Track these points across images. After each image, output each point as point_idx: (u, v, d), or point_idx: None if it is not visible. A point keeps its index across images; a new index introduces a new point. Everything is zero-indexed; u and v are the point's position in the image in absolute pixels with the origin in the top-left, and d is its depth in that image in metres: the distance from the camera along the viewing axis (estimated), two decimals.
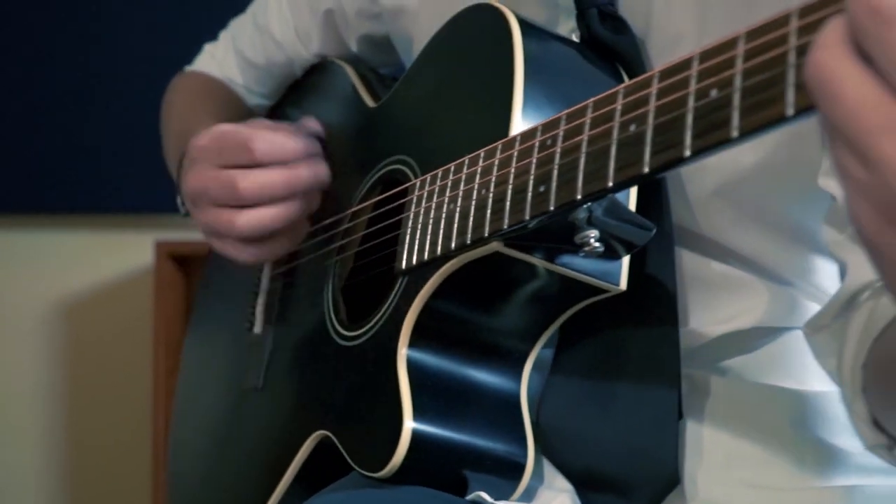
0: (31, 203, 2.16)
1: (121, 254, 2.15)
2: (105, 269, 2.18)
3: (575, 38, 0.99)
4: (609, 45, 0.96)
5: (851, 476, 0.96)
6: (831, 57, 0.53)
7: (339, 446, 0.96)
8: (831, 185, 0.85)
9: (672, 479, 0.91)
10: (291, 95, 1.33)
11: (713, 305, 0.98)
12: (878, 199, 0.52)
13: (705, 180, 0.94)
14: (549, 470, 0.98)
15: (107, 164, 2.13)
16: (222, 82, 1.36)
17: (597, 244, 0.83)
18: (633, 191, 0.89)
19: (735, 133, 0.64)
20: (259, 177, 1.04)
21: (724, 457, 0.96)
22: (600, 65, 0.96)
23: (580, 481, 0.96)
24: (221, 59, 1.37)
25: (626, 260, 0.89)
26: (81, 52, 2.14)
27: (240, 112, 1.33)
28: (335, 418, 0.99)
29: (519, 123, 0.88)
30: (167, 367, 1.88)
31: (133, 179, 2.05)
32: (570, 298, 0.92)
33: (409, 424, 0.89)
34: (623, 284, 0.89)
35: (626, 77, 0.95)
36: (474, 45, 0.97)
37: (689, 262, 0.98)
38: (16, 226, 2.18)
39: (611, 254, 0.86)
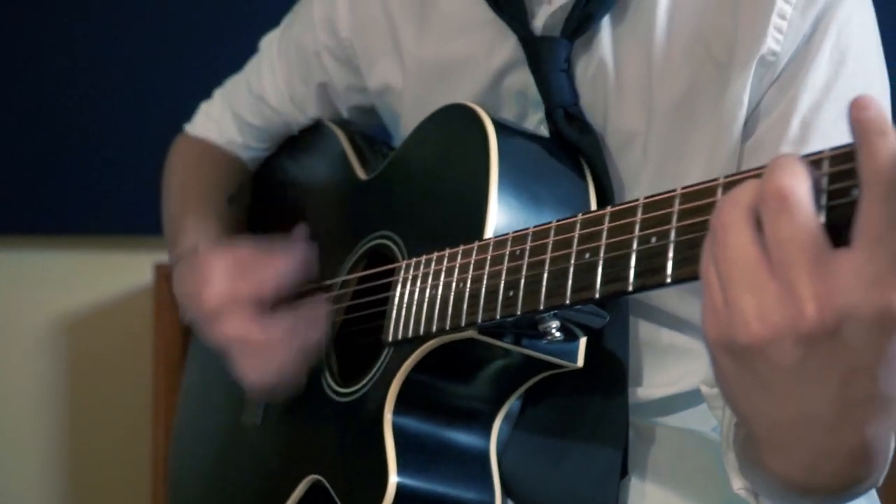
0: (35, 224, 2.18)
1: (121, 274, 2.19)
2: (105, 289, 2.21)
3: (544, 129, 1.12)
4: (574, 144, 1.09)
5: None
6: (733, 210, 0.66)
7: (332, 492, 1.10)
8: None
9: None
10: (287, 150, 1.43)
11: (661, 369, 1.12)
12: (722, 329, 0.66)
13: None
14: None
15: (108, 187, 2.18)
16: (221, 149, 1.45)
17: (557, 333, 0.97)
18: None
19: (668, 280, 0.78)
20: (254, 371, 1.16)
21: (664, 499, 1.11)
22: (566, 161, 1.09)
23: None
24: (219, 120, 1.44)
25: (583, 341, 1.03)
26: (84, 75, 2.17)
27: (234, 177, 1.43)
28: (327, 466, 1.13)
29: (493, 221, 1.01)
30: (167, 386, 1.93)
31: (134, 202, 2.09)
32: (533, 372, 1.06)
33: (393, 479, 1.03)
34: (580, 362, 1.03)
35: (588, 172, 1.09)
36: (454, 140, 1.10)
37: (643, 329, 1.12)
38: (19, 245, 2.20)
39: (570, 337, 1.00)
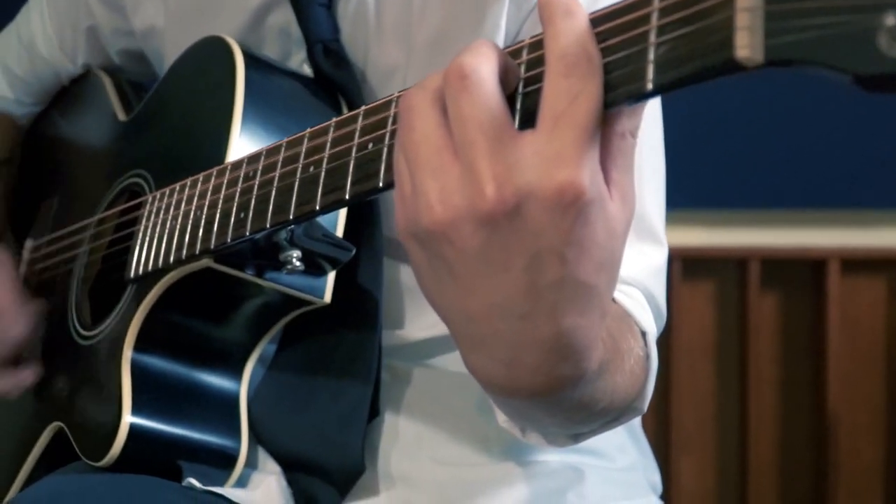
0: None
1: None
2: None
3: (307, 68, 1.09)
4: (332, 79, 1.06)
5: (531, 454, 1.08)
6: (421, 96, 0.63)
7: (70, 436, 1.05)
8: None
9: (356, 467, 1.03)
10: (58, 102, 1.38)
11: (420, 313, 1.10)
12: (409, 216, 0.63)
13: None
14: (261, 455, 1.09)
15: None
16: None
17: (298, 263, 0.93)
18: (343, 210, 1.00)
19: (381, 184, 0.75)
20: None
21: (415, 438, 1.09)
22: (322, 97, 1.06)
23: (286, 465, 1.08)
24: None
25: (331, 275, 1.00)
26: None
27: (7, 134, 1.38)
28: (68, 411, 1.08)
29: (235, 150, 0.98)
30: None
31: None
32: (281, 310, 1.02)
33: (127, 419, 0.98)
34: (327, 298, 1.00)
35: (345, 108, 1.06)
36: (204, 74, 1.07)
37: (403, 272, 1.10)
38: None
39: (315, 270, 0.97)
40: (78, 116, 1.34)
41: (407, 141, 0.63)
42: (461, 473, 1.07)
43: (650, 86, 0.59)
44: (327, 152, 0.82)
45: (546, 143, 0.59)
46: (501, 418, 0.91)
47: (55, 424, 1.09)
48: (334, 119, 0.82)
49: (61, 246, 1.21)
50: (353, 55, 1.08)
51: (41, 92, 1.39)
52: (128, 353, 1.00)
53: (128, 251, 1.07)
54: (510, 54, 0.65)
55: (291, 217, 0.84)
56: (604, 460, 1.11)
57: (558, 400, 0.69)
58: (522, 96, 0.64)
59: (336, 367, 1.05)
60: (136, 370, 1.00)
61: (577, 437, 0.90)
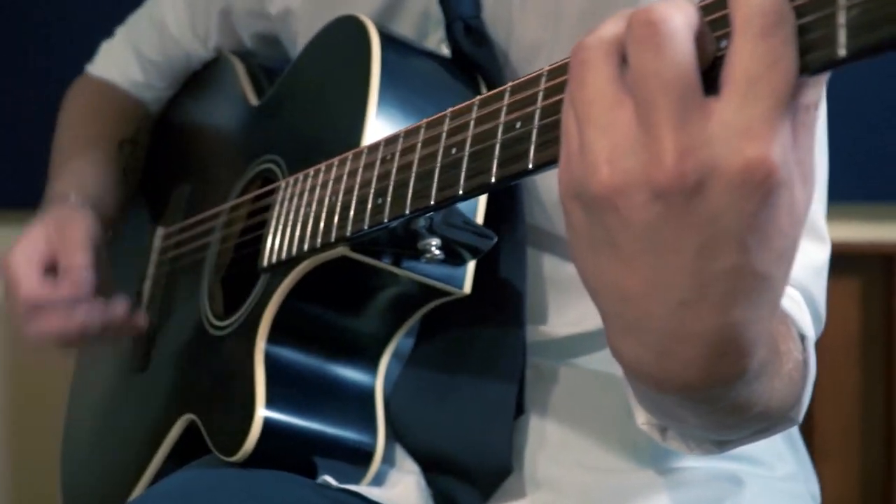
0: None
1: None
2: None
3: (445, 48, 1.05)
4: (471, 58, 1.02)
5: (684, 460, 1.02)
6: (596, 47, 0.57)
7: (203, 430, 1.02)
8: None
9: (503, 469, 0.97)
10: (189, 87, 1.37)
11: (565, 307, 1.04)
12: (574, 175, 0.57)
13: (553, 184, 0.99)
14: (399, 452, 1.05)
15: None
16: (117, 90, 1.39)
17: (437, 252, 0.89)
18: (483, 197, 0.95)
19: (530, 165, 0.70)
20: (39, 327, 1.15)
21: (561, 440, 1.03)
22: (461, 77, 1.02)
23: (425, 464, 1.03)
24: (119, 59, 1.39)
25: (471, 265, 0.95)
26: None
27: (130, 121, 1.38)
28: (200, 404, 1.05)
29: (371, 133, 0.94)
30: None
31: None
32: (418, 301, 0.98)
33: (261, 413, 0.95)
34: (467, 289, 0.95)
35: (484, 89, 1.01)
36: (339, 55, 1.03)
37: (546, 263, 1.04)
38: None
39: (454, 259, 0.92)
40: (209, 102, 1.32)
41: (578, 97, 0.57)
42: (609, 479, 1.01)
43: (843, 52, 0.52)
44: (471, 133, 0.77)
45: (735, 112, 0.52)
46: (641, 419, 0.84)
47: (187, 416, 1.06)
48: (478, 97, 0.77)
49: (193, 234, 1.19)
50: (494, 33, 1.02)
51: (172, 76, 1.38)
52: (261, 345, 0.97)
53: (260, 239, 1.04)
54: None
55: (432, 203, 0.79)
56: (762, 468, 1.04)
57: (710, 398, 0.63)
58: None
59: (477, 363, 1.00)
60: (270, 362, 0.97)
61: (722, 446, 0.83)
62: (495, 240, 0.92)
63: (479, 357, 1.00)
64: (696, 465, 1.02)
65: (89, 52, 1.75)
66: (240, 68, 1.26)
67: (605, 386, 1.02)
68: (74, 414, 1.37)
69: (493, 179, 0.73)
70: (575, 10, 0.97)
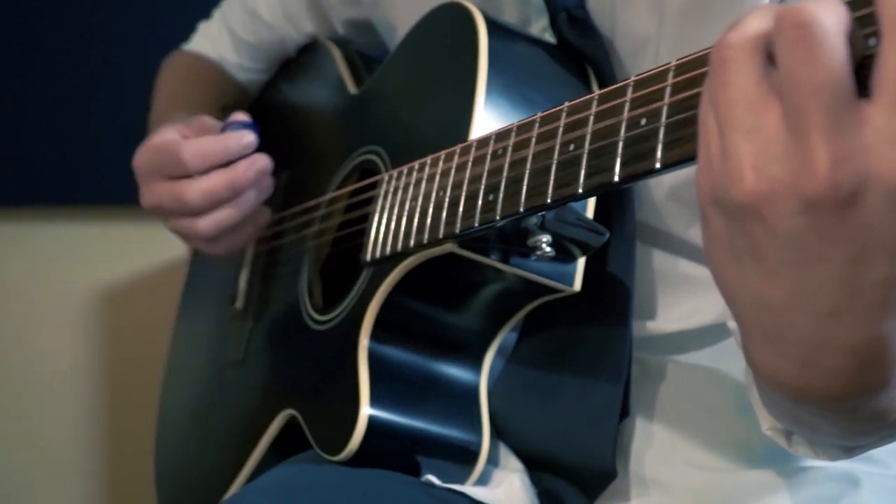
0: (69, 195, 2.02)
1: (157, 246, 2.01)
2: (142, 261, 2.11)
3: (549, 37, 1.01)
4: (578, 48, 0.98)
5: (797, 458, 0.98)
6: (739, 45, 0.54)
7: (304, 427, 1.00)
8: None
9: (607, 473, 0.94)
10: (285, 72, 1.35)
11: (674, 301, 1.00)
12: (716, 181, 0.55)
13: (662, 181, 0.96)
14: (503, 451, 1.02)
15: None
16: (213, 63, 1.38)
17: (548, 249, 0.85)
18: None
19: (657, 165, 0.67)
20: (202, 185, 1.08)
21: (669, 439, 1.00)
22: (569, 67, 0.98)
23: (529, 463, 1.01)
24: (215, 38, 1.39)
25: (581, 262, 0.92)
26: (120, 45, 1.96)
27: (229, 92, 1.36)
28: (302, 400, 1.03)
29: (479, 125, 0.90)
30: None
31: None
32: (526, 297, 0.95)
33: (365, 411, 0.92)
34: (577, 286, 0.92)
35: (594, 79, 0.98)
36: (443, 43, 1.00)
37: (657, 259, 1.01)
38: (52, 217, 2.03)
39: (565, 256, 0.89)
40: (307, 89, 1.30)
41: (720, 97, 0.55)
42: (719, 479, 0.98)
43: None
44: (590, 129, 0.73)
45: (889, 119, 0.50)
46: (766, 424, 0.82)
47: (288, 412, 1.05)
48: (597, 92, 0.74)
49: (292, 225, 1.17)
50: (599, 24, 0.98)
51: (265, 58, 1.37)
52: (364, 342, 0.95)
53: (361, 233, 1.01)
54: None
55: (549, 201, 0.76)
56: (877, 466, 1.00)
57: (851, 408, 0.61)
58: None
59: (583, 361, 0.97)
60: (374, 359, 0.95)
61: (850, 451, 0.80)
62: (607, 235, 0.89)
63: (584, 357, 0.97)
64: (811, 463, 0.98)
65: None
66: (337, 55, 1.24)
67: (714, 382, 0.99)
68: (168, 409, 1.37)
69: (616, 178, 0.70)
70: (677, 3, 0.93)
